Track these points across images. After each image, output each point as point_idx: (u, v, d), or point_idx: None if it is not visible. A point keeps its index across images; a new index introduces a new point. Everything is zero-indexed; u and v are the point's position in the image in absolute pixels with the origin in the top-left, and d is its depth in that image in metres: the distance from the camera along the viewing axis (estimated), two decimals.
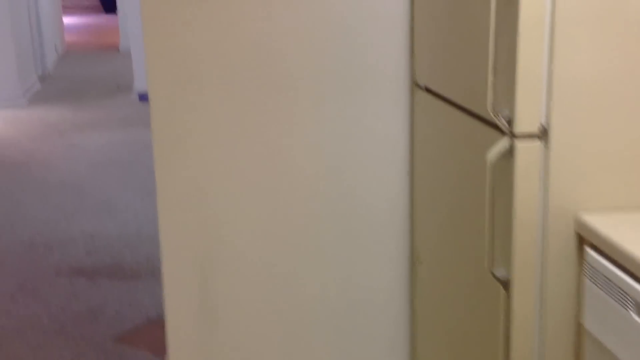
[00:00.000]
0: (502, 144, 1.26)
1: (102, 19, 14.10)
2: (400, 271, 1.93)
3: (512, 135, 1.24)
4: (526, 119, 1.23)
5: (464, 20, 1.45)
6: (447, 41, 1.55)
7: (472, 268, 1.46)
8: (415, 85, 1.80)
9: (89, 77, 8.27)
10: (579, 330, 1.29)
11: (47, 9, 8.48)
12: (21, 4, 7.02)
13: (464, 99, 1.47)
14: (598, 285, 1.20)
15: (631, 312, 1.10)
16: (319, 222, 1.87)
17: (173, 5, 1.72)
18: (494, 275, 1.32)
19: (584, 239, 1.25)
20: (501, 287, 1.30)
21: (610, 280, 1.16)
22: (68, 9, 12.00)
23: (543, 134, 1.24)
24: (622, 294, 1.12)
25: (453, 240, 1.59)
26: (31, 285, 3.12)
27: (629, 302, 1.11)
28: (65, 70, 8.63)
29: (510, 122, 1.24)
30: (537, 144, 1.24)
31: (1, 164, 4.95)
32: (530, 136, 1.24)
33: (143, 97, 6.97)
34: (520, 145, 1.24)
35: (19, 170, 4.81)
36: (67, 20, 11.21)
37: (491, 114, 1.27)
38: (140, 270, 3.25)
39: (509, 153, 1.25)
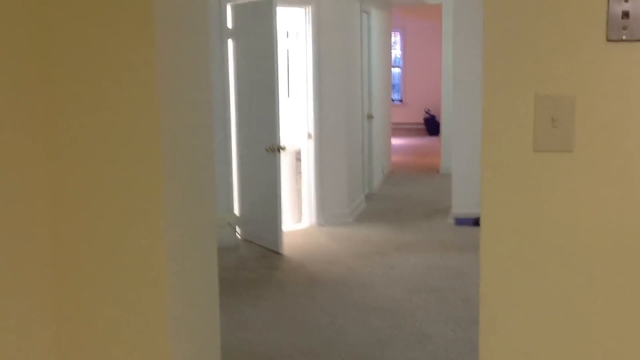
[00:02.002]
0: None
1: (426, 140, 14.77)
2: None
3: None
4: None
5: None
6: None
7: None
8: None
9: (409, 198, 8.60)
10: None
11: (378, 134, 9.12)
12: (357, 130, 7.64)
13: None
14: None
15: None
16: None
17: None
18: None
19: None
20: None
21: None
22: (395, 132, 12.80)
23: None
24: None
25: None
26: None
27: None
28: (388, 190, 9.10)
29: None
30: None
31: (325, 280, 5.27)
32: None
33: (459, 222, 7.01)
34: None
35: (340, 288, 5.07)
36: (394, 141, 11.94)
37: None
38: None
39: None
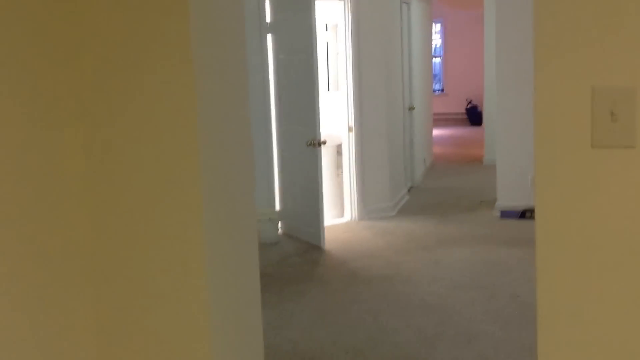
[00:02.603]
0: None
1: (468, 130, 14.56)
2: None
3: None
4: None
5: None
6: None
7: None
8: None
9: (452, 190, 8.46)
10: None
11: (420, 126, 8.99)
12: (398, 122, 7.53)
13: None
14: None
15: None
16: None
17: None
18: None
19: None
20: None
21: None
22: (436, 122, 12.62)
23: None
24: None
25: None
26: None
27: None
28: (430, 182, 8.97)
29: None
30: None
31: (367, 276, 5.19)
32: None
33: (505, 214, 6.86)
34: None
35: (383, 284, 4.99)
36: (435, 132, 11.77)
37: None
38: None
39: None
